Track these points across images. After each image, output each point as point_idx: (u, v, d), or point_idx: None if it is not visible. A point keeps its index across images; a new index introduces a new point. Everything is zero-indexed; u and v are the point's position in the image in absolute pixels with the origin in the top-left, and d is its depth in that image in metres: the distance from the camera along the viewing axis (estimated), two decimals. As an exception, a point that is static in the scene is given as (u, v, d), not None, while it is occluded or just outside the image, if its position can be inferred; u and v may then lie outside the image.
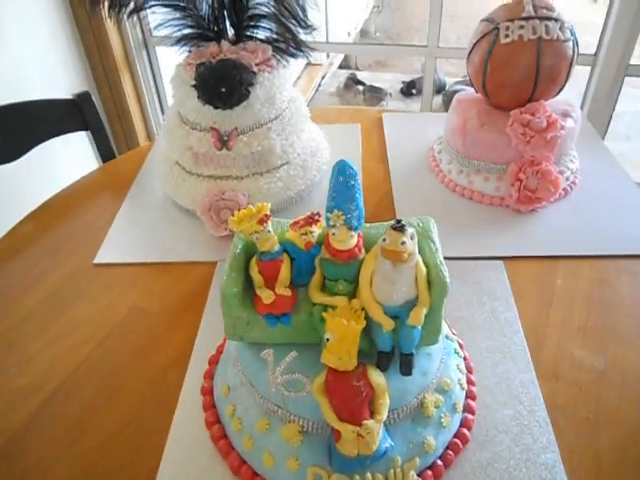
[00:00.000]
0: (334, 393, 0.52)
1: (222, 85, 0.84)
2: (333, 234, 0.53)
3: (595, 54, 1.35)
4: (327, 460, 0.54)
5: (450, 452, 0.59)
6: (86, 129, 1.15)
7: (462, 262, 0.83)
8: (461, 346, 0.70)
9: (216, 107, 0.86)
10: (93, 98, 1.14)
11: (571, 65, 0.88)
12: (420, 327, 0.53)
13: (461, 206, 0.96)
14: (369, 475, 0.54)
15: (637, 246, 0.85)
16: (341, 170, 0.52)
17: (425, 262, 0.54)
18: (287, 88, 0.94)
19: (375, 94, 3.21)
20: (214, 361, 0.70)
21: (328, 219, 0.53)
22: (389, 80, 3.58)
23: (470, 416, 0.62)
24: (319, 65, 3.62)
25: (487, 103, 0.96)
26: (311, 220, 0.55)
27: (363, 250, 0.55)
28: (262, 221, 0.53)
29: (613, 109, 1.33)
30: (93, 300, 0.82)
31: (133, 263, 0.89)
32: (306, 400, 0.54)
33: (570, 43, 0.86)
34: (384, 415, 0.52)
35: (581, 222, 0.91)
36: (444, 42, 1.74)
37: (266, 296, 0.54)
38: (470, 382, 0.65)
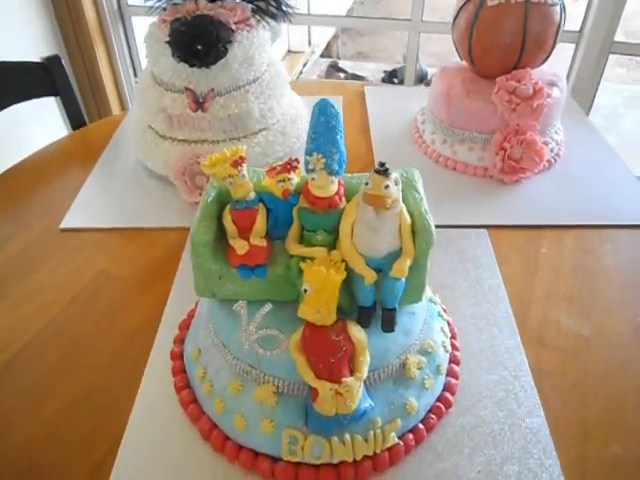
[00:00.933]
0: (311, 349, 0.48)
1: (198, 42, 0.80)
2: (312, 179, 0.49)
3: (580, 31, 1.34)
4: (303, 422, 0.51)
5: (433, 416, 0.56)
6: (56, 95, 1.10)
7: (445, 230, 0.80)
8: (445, 312, 0.67)
9: (192, 65, 0.82)
10: (63, 62, 1.08)
11: (558, 32, 0.86)
12: (404, 280, 0.50)
13: (444, 177, 0.93)
14: (347, 436, 0.50)
15: (621, 216, 0.84)
16: (322, 109, 0.49)
17: (409, 211, 0.51)
18: (266, 50, 0.90)
19: (357, 82, 3.18)
20: (185, 326, 0.66)
21: (307, 163, 0.49)
22: (371, 69, 3.56)
23: (454, 380, 0.60)
24: (301, 53, 3.58)
25: (472, 71, 0.94)
26: (289, 166, 0.51)
27: (344, 199, 0.52)
28: (237, 164, 0.49)
29: (597, 87, 1.32)
30: (58, 265, 0.78)
31: (102, 228, 0.84)
32: (281, 359, 0.50)
33: (557, 8, 0.84)
34: (364, 373, 0.49)
35: (565, 193, 0.89)
36: (426, 33, 1.73)
37: (240, 246, 0.50)
38: (454, 347, 0.63)
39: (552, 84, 0.90)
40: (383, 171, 0.48)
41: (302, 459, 0.51)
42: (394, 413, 0.53)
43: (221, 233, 0.53)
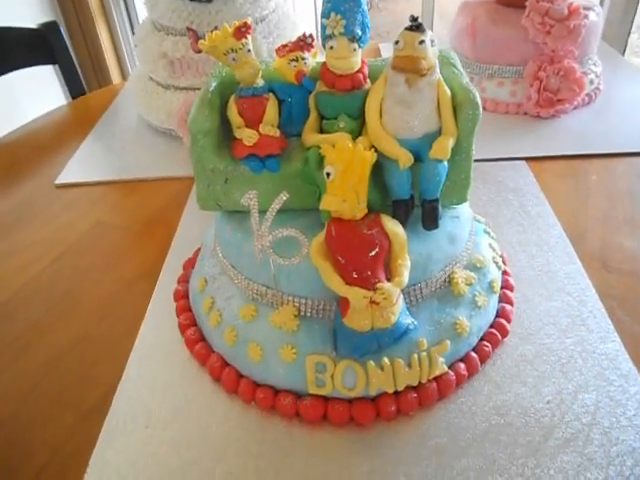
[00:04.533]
0: (340, 247, 0.39)
1: (197, -28, 0.73)
2: (331, 48, 0.41)
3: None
4: (332, 347, 0.42)
5: (487, 343, 0.47)
6: (53, 63, 1.04)
7: (479, 164, 0.71)
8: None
9: (192, -1, 0.75)
10: (61, 29, 1.02)
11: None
12: (446, 163, 0.41)
13: (473, 118, 0.85)
14: (386, 360, 0.41)
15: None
16: (338, -41, 0.41)
17: (448, 86, 0.42)
18: (272, -14, 0.83)
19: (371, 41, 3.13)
20: (190, 265, 0.58)
21: (324, 28, 0.41)
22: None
23: (508, 307, 0.50)
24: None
25: (496, 2, 0.86)
26: (302, 43, 0.44)
27: (369, 81, 0.44)
28: (240, 33, 0.42)
29: (629, 31, 1.24)
30: (53, 218, 0.70)
31: (100, 181, 0.77)
32: (301, 273, 0.42)
33: None
34: (405, 278, 0.40)
35: (610, 124, 0.80)
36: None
37: (247, 135, 0.42)
38: (505, 273, 0.54)
39: (587, 8, 0.82)
40: (416, 26, 0.39)
41: (332, 392, 0.42)
42: (442, 334, 0.43)
43: (225, 130, 0.45)
